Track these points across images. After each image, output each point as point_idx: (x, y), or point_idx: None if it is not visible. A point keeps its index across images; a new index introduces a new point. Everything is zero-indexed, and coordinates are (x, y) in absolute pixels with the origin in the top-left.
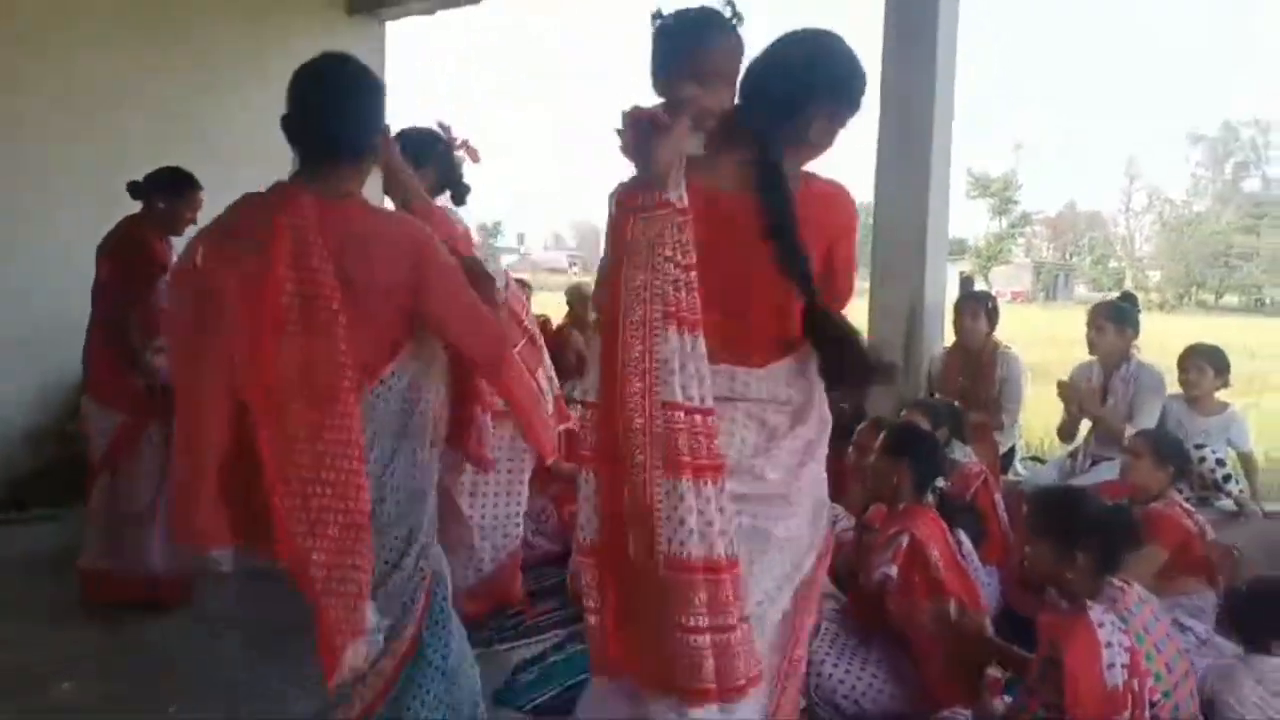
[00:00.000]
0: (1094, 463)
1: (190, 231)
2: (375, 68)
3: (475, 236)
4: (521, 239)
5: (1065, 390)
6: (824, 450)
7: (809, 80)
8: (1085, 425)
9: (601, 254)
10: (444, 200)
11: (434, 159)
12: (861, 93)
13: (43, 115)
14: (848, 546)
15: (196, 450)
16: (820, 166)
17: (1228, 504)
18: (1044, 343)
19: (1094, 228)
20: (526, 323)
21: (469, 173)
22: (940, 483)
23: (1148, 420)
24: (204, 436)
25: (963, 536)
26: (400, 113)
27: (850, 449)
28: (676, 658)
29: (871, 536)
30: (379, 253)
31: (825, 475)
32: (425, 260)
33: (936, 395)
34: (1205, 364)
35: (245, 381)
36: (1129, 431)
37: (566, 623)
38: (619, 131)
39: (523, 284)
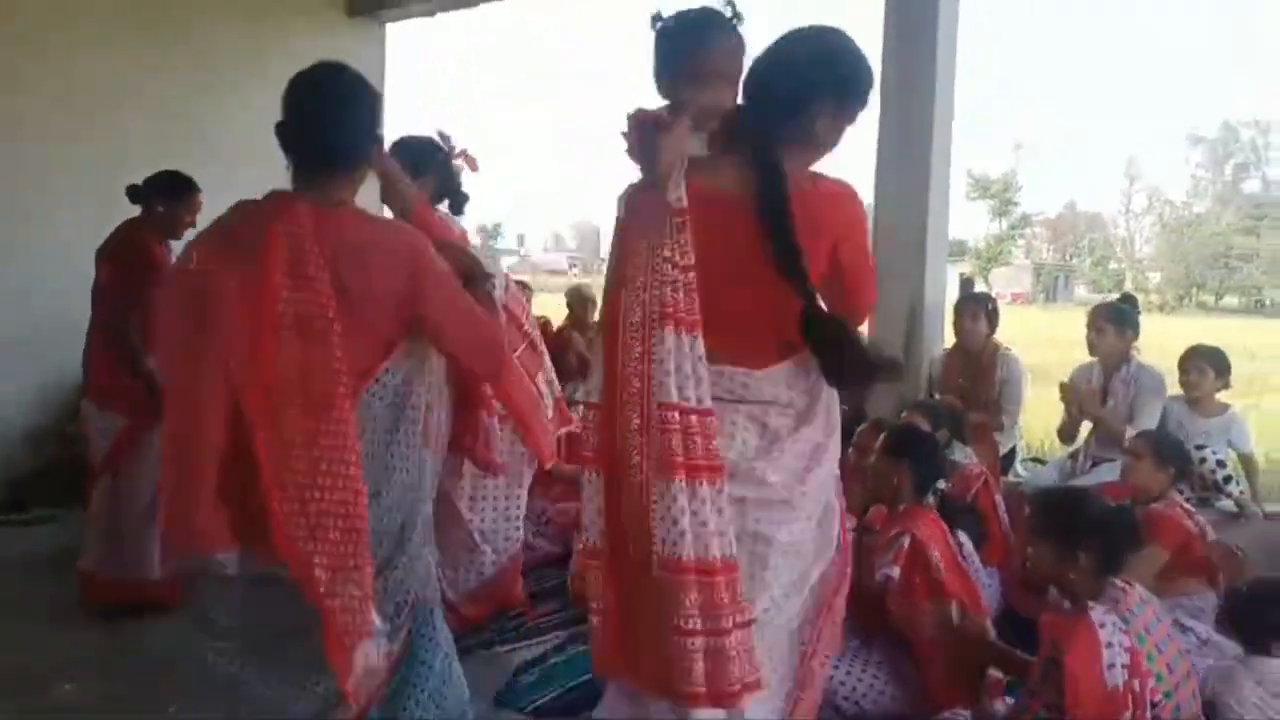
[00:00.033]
0: (1094, 464)
1: (190, 234)
2: (375, 69)
3: (475, 238)
4: (521, 240)
5: (1066, 392)
6: (833, 455)
7: (813, 77)
8: (1086, 427)
9: (608, 256)
10: (442, 208)
11: (433, 168)
12: (867, 89)
13: (43, 115)
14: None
15: (196, 452)
16: (821, 166)
17: (1228, 505)
18: (1044, 344)
19: (1094, 229)
20: (527, 327)
21: (468, 181)
22: (941, 484)
23: (1148, 422)
24: (202, 439)
25: (963, 538)
26: (400, 114)
27: (850, 450)
28: (670, 659)
29: (872, 538)
30: (375, 261)
31: (837, 482)
32: (422, 268)
33: (936, 396)
34: (1206, 365)
35: (241, 386)
36: (1129, 433)
37: (567, 624)
38: (624, 134)
39: (523, 286)
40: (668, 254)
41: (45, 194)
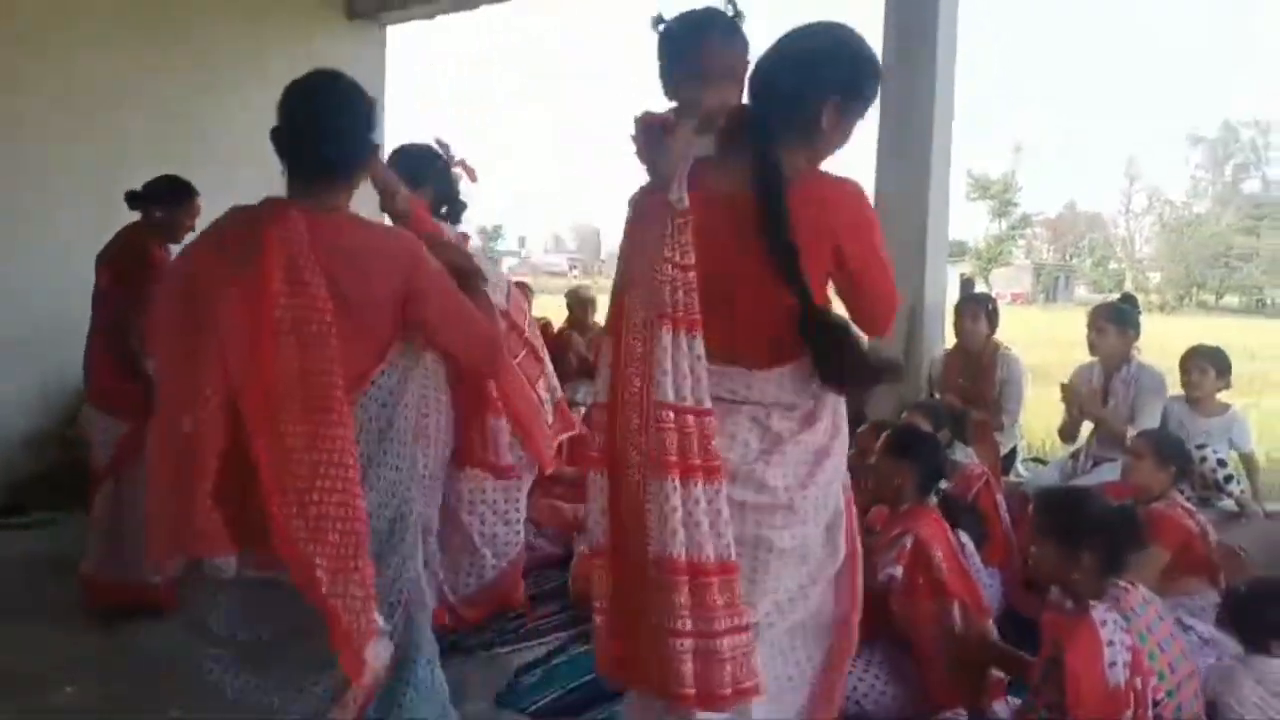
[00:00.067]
0: (1095, 464)
1: (190, 239)
2: (375, 72)
3: (476, 240)
4: (522, 242)
5: (1067, 393)
6: (837, 458)
7: (817, 73)
8: (1086, 426)
9: (616, 258)
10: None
11: (431, 177)
12: (873, 85)
13: (43, 115)
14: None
15: (192, 454)
16: (824, 165)
17: (1229, 504)
18: (1044, 344)
19: (1094, 229)
20: (528, 334)
21: (466, 188)
22: (943, 484)
23: (1149, 421)
24: (201, 442)
25: (965, 538)
26: (400, 117)
27: (851, 452)
28: (663, 660)
29: (874, 538)
30: (371, 266)
31: (848, 490)
32: (417, 271)
33: (937, 396)
34: (1207, 365)
35: (240, 390)
36: (1130, 433)
37: (568, 625)
38: (631, 136)
39: (524, 287)
40: (668, 254)
41: (45, 194)
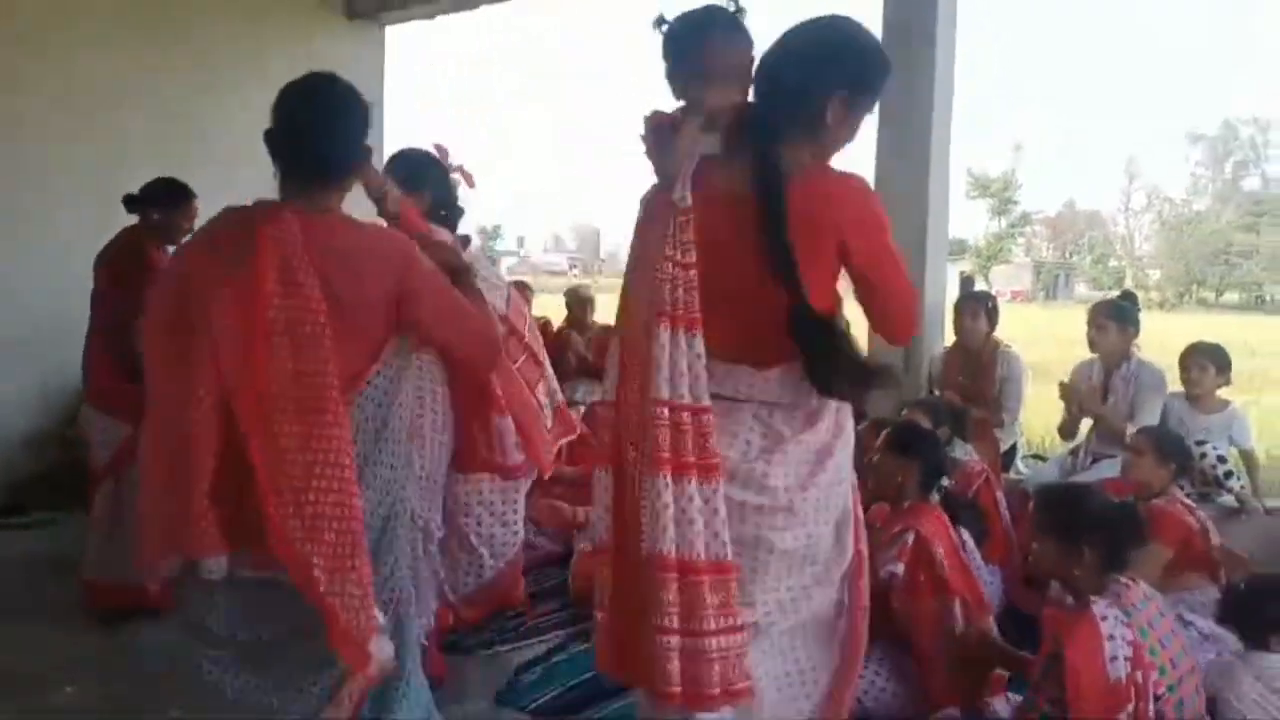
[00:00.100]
0: (1095, 460)
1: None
2: (375, 72)
3: (476, 239)
4: (521, 242)
5: (1066, 392)
6: (841, 458)
7: (821, 67)
8: (1086, 423)
9: (627, 257)
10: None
11: (429, 182)
12: (878, 76)
13: (43, 115)
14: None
15: (186, 454)
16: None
17: (1229, 501)
18: (1044, 341)
19: (1094, 227)
20: (528, 338)
21: (463, 194)
22: (944, 482)
23: (1149, 418)
24: (197, 442)
25: (965, 535)
26: (400, 117)
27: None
28: (651, 657)
29: (875, 535)
30: (364, 267)
31: (852, 486)
32: (410, 271)
33: (937, 394)
34: (1207, 362)
35: (234, 391)
36: (1130, 429)
37: (568, 623)
38: (641, 136)
39: (524, 286)
40: (669, 252)
41: (45, 194)
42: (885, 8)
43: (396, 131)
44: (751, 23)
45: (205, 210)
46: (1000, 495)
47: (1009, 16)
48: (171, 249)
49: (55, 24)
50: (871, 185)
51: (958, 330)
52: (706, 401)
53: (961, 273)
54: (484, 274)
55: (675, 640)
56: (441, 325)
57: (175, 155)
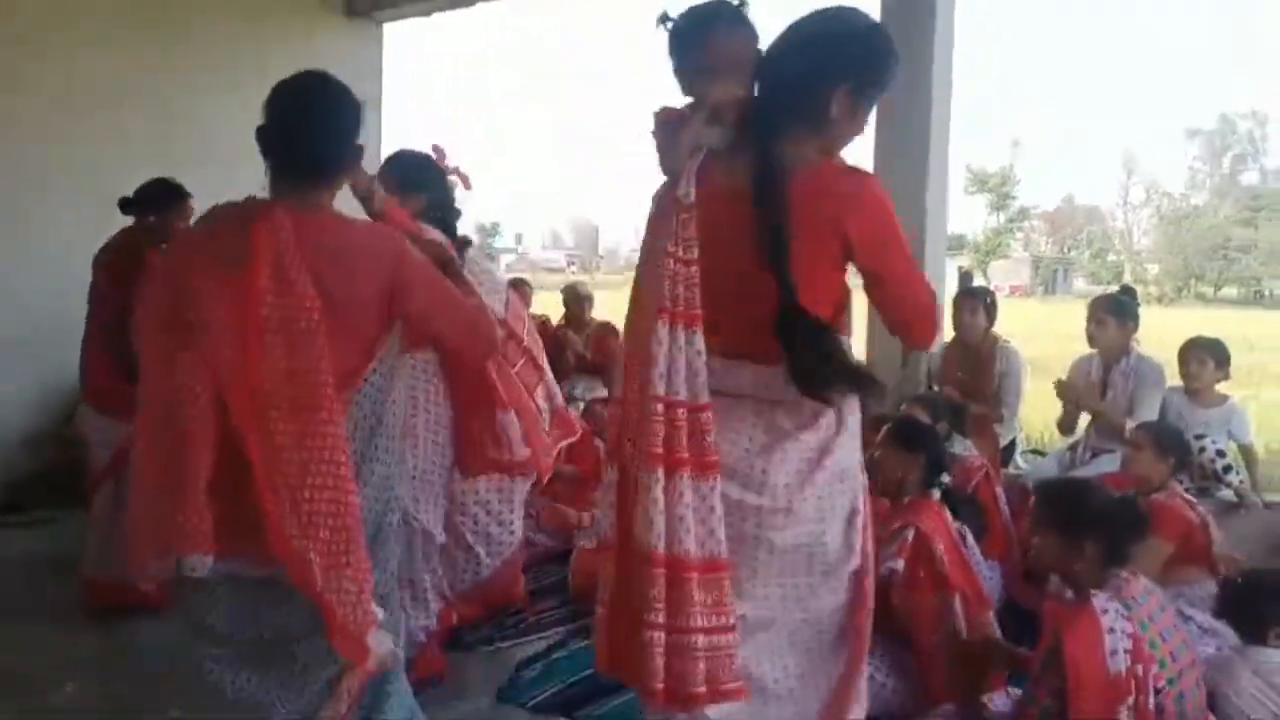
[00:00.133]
0: (1094, 455)
1: None
2: (372, 70)
3: (474, 237)
4: (519, 239)
5: (1062, 389)
6: (841, 454)
7: (825, 59)
8: (1085, 418)
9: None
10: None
11: (427, 183)
12: (885, 68)
13: (43, 115)
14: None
15: (187, 450)
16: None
17: (1228, 495)
18: (1043, 336)
19: (1092, 222)
20: (526, 342)
21: (460, 196)
22: (945, 477)
23: (1148, 413)
24: (193, 439)
25: (965, 530)
26: (398, 115)
27: None
28: (637, 653)
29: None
30: (356, 264)
31: (859, 486)
32: (401, 265)
33: (936, 389)
34: (1206, 356)
35: (227, 389)
36: (1129, 424)
37: (568, 620)
38: (651, 132)
39: (523, 283)
40: (671, 248)
41: (45, 194)
42: (883, 4)
43: (393, 129)
44: (754, 18)
45: (203, 210)
46: (999, 490)
47: (1009, 17)
48: None
49: (55, 24)
50: None
51: (956, 326)
52: (705, 399)
53: (960, 268)
54: (483, 277)
55: (660, 636)
56: (435, 316)
57: (175, 155)
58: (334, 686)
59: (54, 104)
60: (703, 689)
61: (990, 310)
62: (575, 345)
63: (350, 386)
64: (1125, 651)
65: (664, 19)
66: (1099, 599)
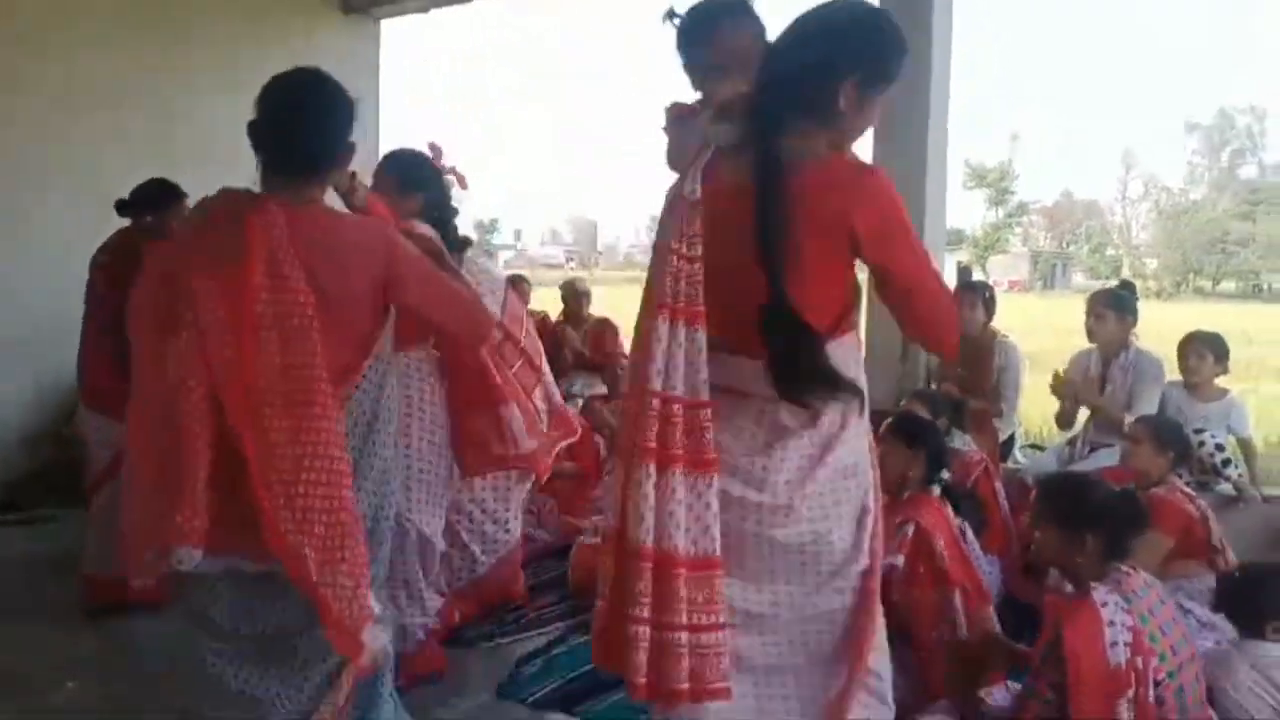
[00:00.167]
0: (1093, 450)
1: None
2: (370, 66)
3: (473, 234)
4: (518, 235)
5: (1058, 383)
6: (844, 452)
7: (831, 51)
8: (1084, 412)
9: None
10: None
11: (423, 182)
12: (892, 58)
13: (43, 115)
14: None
15: (183, 444)
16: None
17: (1227, 489)
18: (1041, 331)
19: (1091, 216)
20: (524, 343)
21: (456, 195)
22: (944, 473)
23: (1147, 407)
24: (189, 433)
25: (965, 526)
26: (396, 111)
27: None
28: (622, 646)
29: None
30: (349, 259)
31: (869, 485)
32: (394, 257)
33: (934, 385)
34: (1206, 350)
35: (223, 386)
36: (1128, 419)
37: (567, 615)
38: (664, 128)
39: (522, 280)
40: (675, 245)
41: (45, 194)
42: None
43: (390, 126)
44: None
45: None
46: (999, 485)
47: (1008, 17)
48: None
49: (55, 24)
50: None
51: None
52: (704, 396)
53: (959, 263)
54: (481, 277)
55: (645, 631)
56: (429, 305)
57: (175, 155)
58: (334, 680)
59: (54, 104)
60: (685, 686)
61: (989, 305)
62: (573, 342)
63: (347, 383)
64: (1125, 644)
65: (670, 15)
66: (1099, 591)
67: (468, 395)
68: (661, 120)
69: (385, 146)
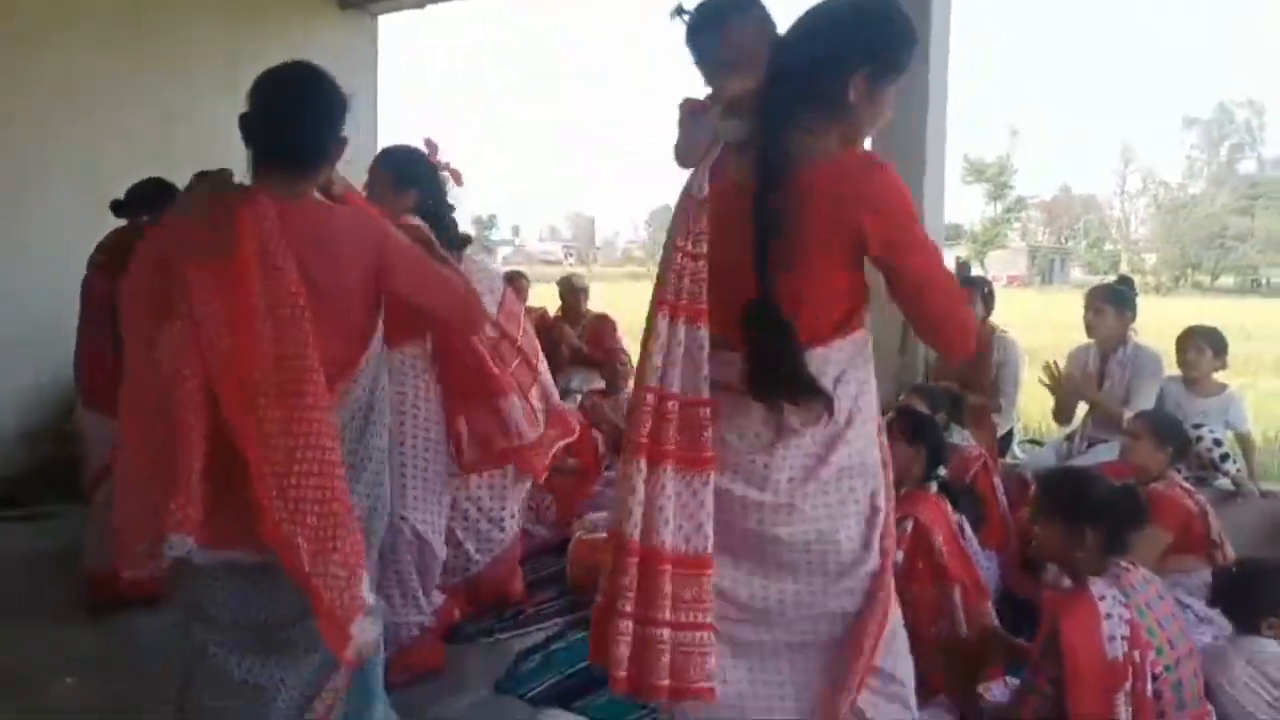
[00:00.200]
0: (1091, 445)
1: None
2: (367, 62)
3: (471, 230)
4: (516, 231)
5: (1054, 380)
6: (848, 449)
7: (838, 44)
8: (1082, 407)
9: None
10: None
11: (418, 179)
12: (905, 50)
13: (42, 115)
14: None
15: (177, 435)
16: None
17: (1225, 484)
18: (1040, 326)
19: (1089, 211)
20: (521, 342)
21: (452, 192)
22: (941, 469)
23: (1145, 402)
24: (183, 424)
25: (964, 521)
26: (393, 107)
27: None
28: (608, 640)
29: None
30: (340, 252)
31: (877, 483)
32: (384, 247)
33: (933, 380)
34: (1204, 345)
35: (217, 378)
36: (1127, 414)
37: (566, 611)
38: (677, 123)
39: (520, 276)
40: (680, 242)
41: (45, 194)
42: None
43: (387, 121)
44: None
45: None
46: (997, 481)
47: (1008, 17)
48: None
49: (55, 24)
50: None
51: None
52: (703, 394)
53: (958, 258)
54: (479, 274)
55: (628, 625)
56: (419, 291)
57: (175, 155)
58: (325, 670)
59: (54, 103)
60: (665, 682)
61: (988, 300)
62: (570, 338)
63: (343, 378)
64: (1123, 637)
65: (679, 11)
66: (1096, 585)
67: (465, 389)
68: (663, 119)
69: (383, 142)
